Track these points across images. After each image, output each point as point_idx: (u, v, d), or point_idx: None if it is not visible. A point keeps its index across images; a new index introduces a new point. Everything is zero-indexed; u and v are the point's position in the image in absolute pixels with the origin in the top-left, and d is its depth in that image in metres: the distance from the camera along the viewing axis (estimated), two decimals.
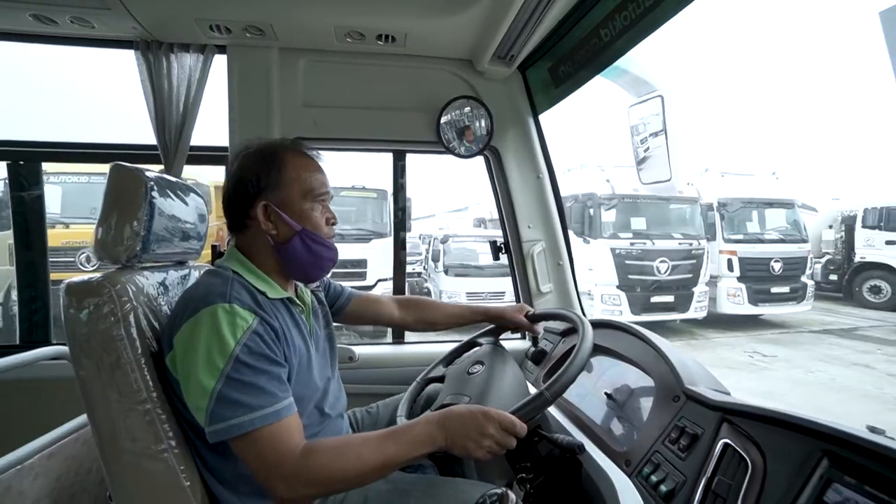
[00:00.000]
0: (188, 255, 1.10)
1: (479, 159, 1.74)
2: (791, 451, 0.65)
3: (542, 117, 1.73)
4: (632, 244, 7.15)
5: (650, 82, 2.03)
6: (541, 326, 1.61)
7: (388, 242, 5.04)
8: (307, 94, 1.59)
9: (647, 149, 2.08)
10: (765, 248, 7.84)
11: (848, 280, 9.72)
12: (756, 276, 7.60)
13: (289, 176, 0.90)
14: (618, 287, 7.12)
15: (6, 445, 1.08)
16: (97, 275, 0.83)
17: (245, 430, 0.72)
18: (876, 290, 9.19)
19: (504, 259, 1.79)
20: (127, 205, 0.88)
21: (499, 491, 0.68)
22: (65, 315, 0.81)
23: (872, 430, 0.63)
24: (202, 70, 1.52)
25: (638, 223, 7.41)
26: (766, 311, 7.85)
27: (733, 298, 7.53)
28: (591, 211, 7.37)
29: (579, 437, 1.01)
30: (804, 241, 8.10)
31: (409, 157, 1.80)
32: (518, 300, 1.78)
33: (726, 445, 0.75)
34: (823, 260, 10.32)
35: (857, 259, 9.44)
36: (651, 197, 7.21)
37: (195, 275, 1.11)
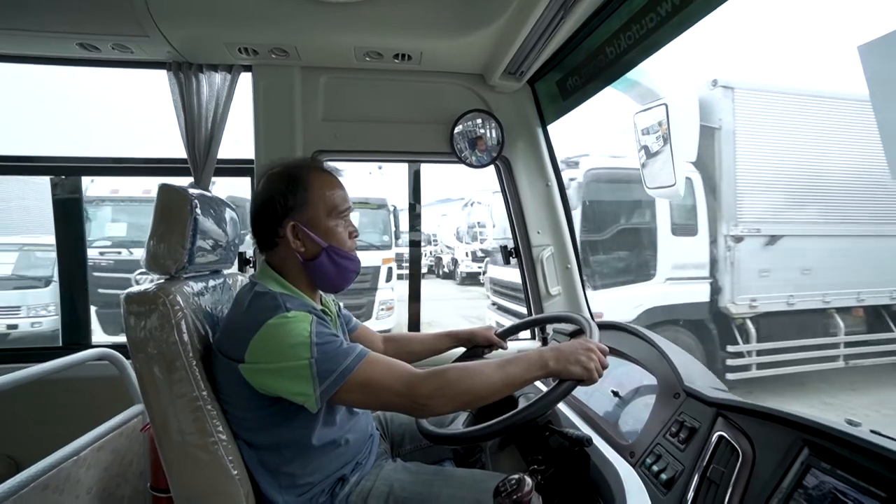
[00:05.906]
0: (223, 265, 1.19)
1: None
2: (777, 441, 0.73)
3: (550, 127, 1.80)
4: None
5: (655, 91, 2.10)
6: (550, 328, 1.69)
7: None
8: (327, 110, 1.68)
9: (651, 155, 2.15)
10: None
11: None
12: None
13: (314, 195, 0.95)
14: None
15: (57, 439, 1.19)
16: (151, 285, 0.93)
17: (351, 369, 0.82)
18: None
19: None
20: (175, 222, 0.96)
21: (516, 476, 0.75)
22: (124, 321, 0.90)
23: (850, 422, 0.71)
24: (229, 88, 1.61)
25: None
26: None
27: None
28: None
29: (587, 431, 1.09)
30: (387, 247, 6.84)
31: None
32: (528, 302, 1.86)
33: (721, 437, 0.82)
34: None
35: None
36: (142, 199, 5.27)
37: (229, 282, 1.21)
